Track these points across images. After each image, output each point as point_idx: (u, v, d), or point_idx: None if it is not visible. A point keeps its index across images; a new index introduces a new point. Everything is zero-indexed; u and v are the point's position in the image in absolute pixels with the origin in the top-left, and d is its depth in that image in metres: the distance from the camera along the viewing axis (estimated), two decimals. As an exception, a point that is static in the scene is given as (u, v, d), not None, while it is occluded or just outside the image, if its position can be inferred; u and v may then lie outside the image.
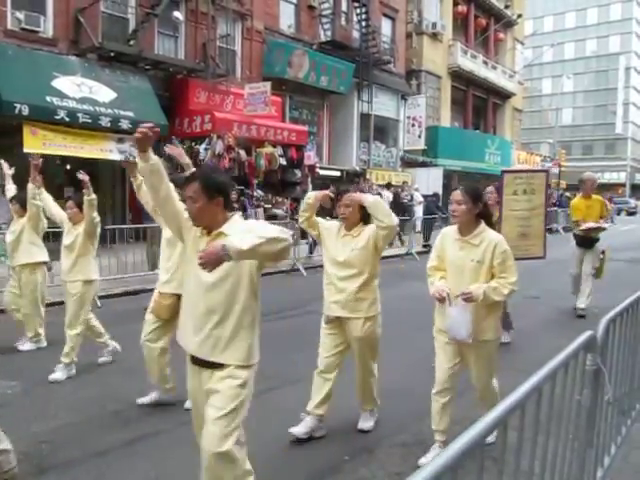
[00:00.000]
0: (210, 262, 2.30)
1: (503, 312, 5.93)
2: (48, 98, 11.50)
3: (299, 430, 3.71)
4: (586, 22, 70.80)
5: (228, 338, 2.57)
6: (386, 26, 22.84)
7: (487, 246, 3.35)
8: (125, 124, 12.49)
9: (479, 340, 3.37)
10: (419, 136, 23.74)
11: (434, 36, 25.32)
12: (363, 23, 20.23)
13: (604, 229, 7.42)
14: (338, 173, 19.95)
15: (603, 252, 7.48)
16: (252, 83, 15.93)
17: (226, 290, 2.55)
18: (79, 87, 12.33)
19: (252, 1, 16.95)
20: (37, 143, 11.29)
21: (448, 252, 3.51)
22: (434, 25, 24.95)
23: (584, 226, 7.23)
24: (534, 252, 5.90)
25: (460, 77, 27.43)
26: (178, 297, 3.77)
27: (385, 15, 22.71)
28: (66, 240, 5.22)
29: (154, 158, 2.63)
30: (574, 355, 2.21)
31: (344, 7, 20.57)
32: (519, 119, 35.92)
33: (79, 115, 11.79)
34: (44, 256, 5.98)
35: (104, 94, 12.68)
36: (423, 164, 24.11)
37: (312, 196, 3.87)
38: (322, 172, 18.74)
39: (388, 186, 18.62)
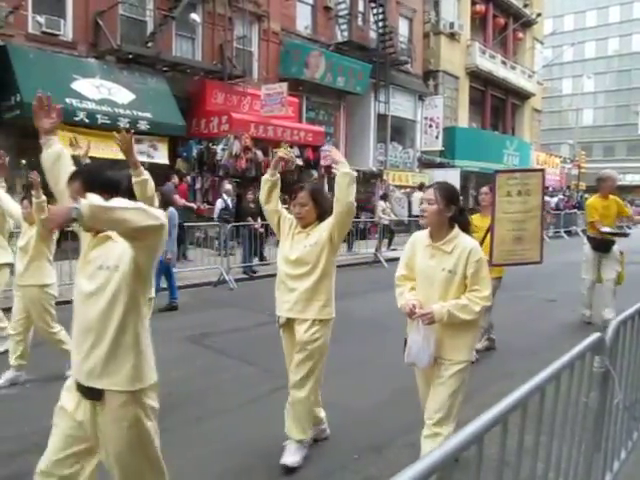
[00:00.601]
0: (54, 217, 2.00)
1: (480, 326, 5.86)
2: (68, 100, 11.69)
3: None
4: (608, 20, 69.74)
5: (104, 360, 2.23)
6: (403, 26, 22.78)
7: (461, 253, 2.95)
8: (143, 125, 12.64)
9: (451, 360, 2.99)
10: (436, 137, 23.64)
11: (452, 36, 25.19)
12: (380, 23, 20.20)
13: (627, 235, 7.08)
14: (355, 174, 19.78)
15: (621, 253, 7.12)
16: (269, 84, 16.02)
17: (102, 303, 2.22)
18: (98, 89, 12.52)
19: (269, 2, 17.03)
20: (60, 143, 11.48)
21: (418, 260, 3.13)
22: (452, 25, 24.82)
23: (604, 229, 6.86)
24: (530, 257, 5.49)
25: (478, 77, 27.24)
26: None
27: (402, 15, 22.65)
28: (21, 241, 5.05)
29: (58, 146, 2.57)
30: (580, 356, 2.21)
31: (361, 7, 20.57)
32: (538, 120, 35.57)
33: (98, 116, 11.97)
34: (8, 257, 5.89)
35: (123, 96, 12.85)
36: (440, 165, 24.01)
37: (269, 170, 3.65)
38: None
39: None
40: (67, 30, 13.04)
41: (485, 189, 5.85)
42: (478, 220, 5.62)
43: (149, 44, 13.96)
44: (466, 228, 3.11)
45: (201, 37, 15.70)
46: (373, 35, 20.53)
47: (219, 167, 14.29)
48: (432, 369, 3.06)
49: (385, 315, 7.57)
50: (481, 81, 27.76)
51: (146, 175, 3.38)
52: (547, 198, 22.51)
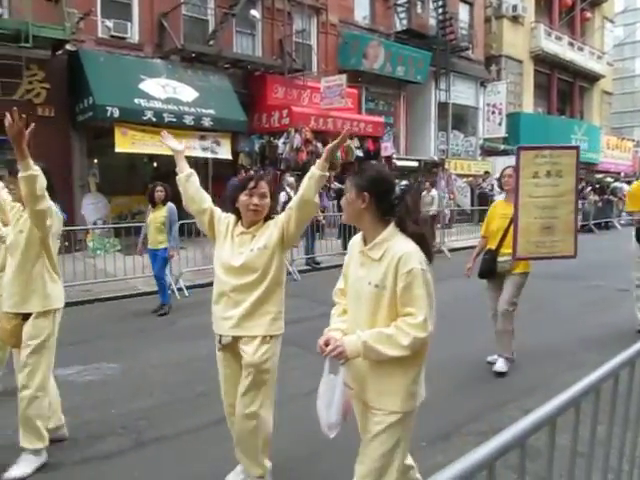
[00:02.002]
0: None
1: (508, 331, 4.98)
2: (136, 100, 12.16)
3: None
4: (685, -6, 65.62)
5: None
6: (464, 12, 22.28)
7: (390, 262, 2.18)
8: (207, 122, 12.99)
9: (380, 409, 2.27)
10: (499, 124, 23.03)
11: (515, 19, 24.41)
12: (440, 10, 19.85)
13: None
14: (416, 163, 19.76)
15: None
16: (328, 76, 16.07)
17: None
18: (164, 88, 12.94)
19: (327, -5, 17.06)
20: (126, 143, 11.99)
21: (350, 269, 2.42)
22: (514, 8, 24.06)
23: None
24: (562, 250, 4.68)
25: (544, 61, 26.30)
26: (23, 317, 3.34)
27: (462, 0, 22.16)
28: None
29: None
30: (655, 344, 2.15)
31: (420, -5, 20.27)
32: (609, 102, 33.96)
33: (164, 115, 12.38)
34: None
35: (187, 94, 13.24)
36: (504, 152, 23.38)
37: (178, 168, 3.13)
38: (399, 163, 18.64)
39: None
40: (134, 33, 13.55)
41: (509, 170, 5.07)
42: (501, 207, 5.13)
43: (211, 42, 14.30)
44: (404, 226, 2.25)
45: (261, 33, 15.93)
46: (433, 22, 20.20)
47: (281, 161, 14.49)
48: (364, 417, 2.36)
49: (445, 305, 7.53)
50: (547, 64, 26.78)
51: (35, 170, 3.01)
52: (618, 184, 21.55)
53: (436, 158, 20.22)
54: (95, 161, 13.26)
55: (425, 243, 2.24)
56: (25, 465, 3.26)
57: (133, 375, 5.04)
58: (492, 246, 5.01)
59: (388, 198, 2.25)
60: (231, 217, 3.00)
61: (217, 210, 3.07)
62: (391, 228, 2.25)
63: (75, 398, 4.39)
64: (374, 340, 2.14)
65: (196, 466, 3.42)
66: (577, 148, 4.81)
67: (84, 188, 12.91)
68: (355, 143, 15.95)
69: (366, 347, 2.14)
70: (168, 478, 3.29)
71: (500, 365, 4.91)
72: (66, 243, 9.17)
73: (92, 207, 12.64)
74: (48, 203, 3.17)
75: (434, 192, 15.65)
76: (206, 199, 3.08)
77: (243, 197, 2.88)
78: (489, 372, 4.93)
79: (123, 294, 8.53)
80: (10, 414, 3.32)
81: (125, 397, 4.47)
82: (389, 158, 17.65)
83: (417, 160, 19.87)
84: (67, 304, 7.82)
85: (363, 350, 2.15)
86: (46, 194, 3.14)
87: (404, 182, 2.97)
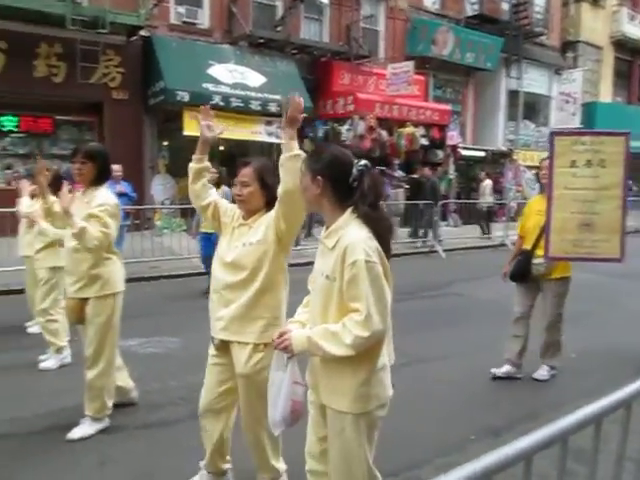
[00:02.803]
0: None
1: (556, 341, 4.65)
2: (205, 85, 12.46)
3: None
4: None
5: None
6: (540, -5, 21.40)
7: (339, 252, 1.98)
8: (273, 107, 13.15)
9: (332, 408, 2.09)
10: (573, 114, 22.04)
11: (595, 2, 23.22)
12: (514, -6, 19.17)
13: None
14: (482, 153, 19.27)
15: None
16: (395, 63, 15.89)
17: None
18: (232, 73, 13.19)
19: (396, -21, 16.78)
20: (195, 127, 12.28)
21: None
22: (596, -10, 22.91)
23: None
24: (605, 251, 4.09)
25: (624, 47, 24.94)
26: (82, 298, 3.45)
27: (539, -17, 21.27)
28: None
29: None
30: None
31: (494, -22, 19.60)
32: (696, 91, 31.84)
33: (232, 100, 12.63)
34: None
35: (254, 79, 13.44)
36: (577, 143, 22.42)
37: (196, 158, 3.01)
38: (465, 152, 18.25)
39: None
40: (204, 18, 13.86)
41: (547, 162, 4.43)
42: (538, 203, 4.61)
43: (279, 28, 14.42)
44: (358, 211, 2.03)
45: (328, 18, 15.90)
46: (505, 6, 19.53)
47: (344, 147, 14.50)
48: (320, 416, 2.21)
49: (509, 298, 7.37)
50: (628, 51, 25.39)
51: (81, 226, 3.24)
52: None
53: (504, 148, 19.66)
54: (165, 143, 13.71)
55: (381, 231, 2.03)
56: (88, 426, 3.51)
57: (193, 350, 5.21)
58: (527, 246, 4.60)
59: (345, 182, 2.05)
60: (235, 208, 2.78)
61: (222, 202, 2.85)
62: (347, 215, 2.04)
63: (138, 369, 4.60)
64: (319, 336, 1.99)
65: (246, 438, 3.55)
66: (626, 135, 4.13)
67: (154, 169, 13.40)
68: (420, 131, 15.73)
69: (310, 343, 2.00)
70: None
71: (541, 373, 4.66)
72: (136, 221, 9.59)
73: (161, 188, 13.13)
74: (97, 247, 3.31)
75: (487, 182, 15.20)
76: (209, 195, 2.85)
77: (233, 186, 2.75)
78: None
79: (187, 272, 8.84)
80: (81, 377, 3.54)
81: (184, 370, 4.66)
82: (455, 147, 17.32)
83: (484, 150, 19.37)
84: (134, 279, 8.24)
85: (308, 346, 2.01)
86: (98, 244, 3.30)
87: (362, 162, 2.35)
